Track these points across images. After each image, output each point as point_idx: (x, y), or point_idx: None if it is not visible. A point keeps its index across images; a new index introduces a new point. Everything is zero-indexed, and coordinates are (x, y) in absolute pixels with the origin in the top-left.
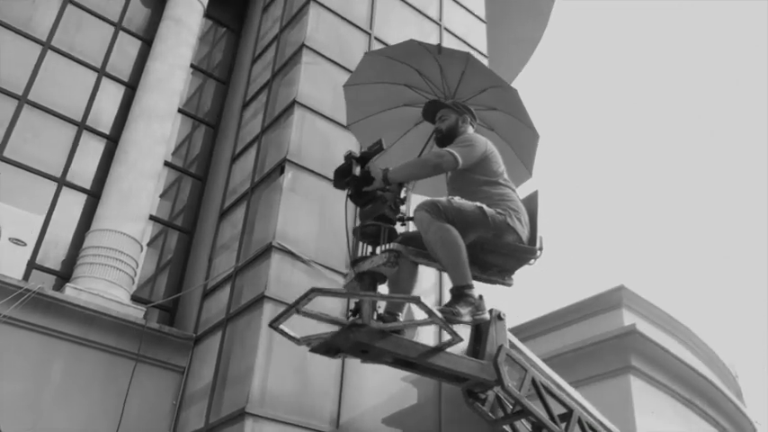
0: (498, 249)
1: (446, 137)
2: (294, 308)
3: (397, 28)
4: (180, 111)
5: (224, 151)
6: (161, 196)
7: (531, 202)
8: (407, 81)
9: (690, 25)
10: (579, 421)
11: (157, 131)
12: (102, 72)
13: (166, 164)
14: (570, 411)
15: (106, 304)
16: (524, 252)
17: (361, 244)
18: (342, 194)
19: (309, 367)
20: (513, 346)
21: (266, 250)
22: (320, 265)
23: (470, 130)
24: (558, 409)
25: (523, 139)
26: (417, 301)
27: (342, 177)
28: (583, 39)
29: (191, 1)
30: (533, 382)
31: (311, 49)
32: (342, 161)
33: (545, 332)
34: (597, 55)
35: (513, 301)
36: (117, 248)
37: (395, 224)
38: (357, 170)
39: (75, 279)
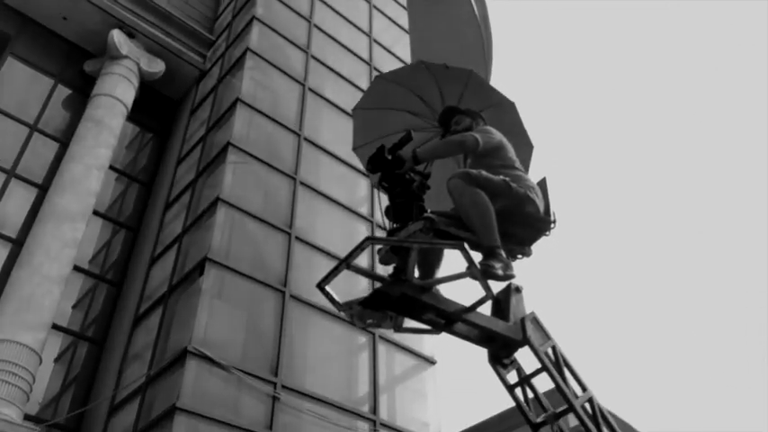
0: (519, 219)
1: None
2: (345, 262)
3: (327, 127)
4: (97, 214)
5: (143, 255)
6: (74, 306)
7: (542, 186)
8: (409, 107)
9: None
10: (591, 401)
11: (68, 234)
12: (11, 173)
13: (78, 269)
14: (584, 389)
15: None
16: (542, 222)
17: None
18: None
19: None
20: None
21: (181, 356)
22: (243, 372)
23: None
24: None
25: (518, 152)
26: (461, 247)
27: (374, 163)
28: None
29: (113, 103)
30: (554, 350)
31: (237, 147)
32: (272, 262)
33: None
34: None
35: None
36: (11, 360)
37: (423, 201)
38: (388, 156)
39: None
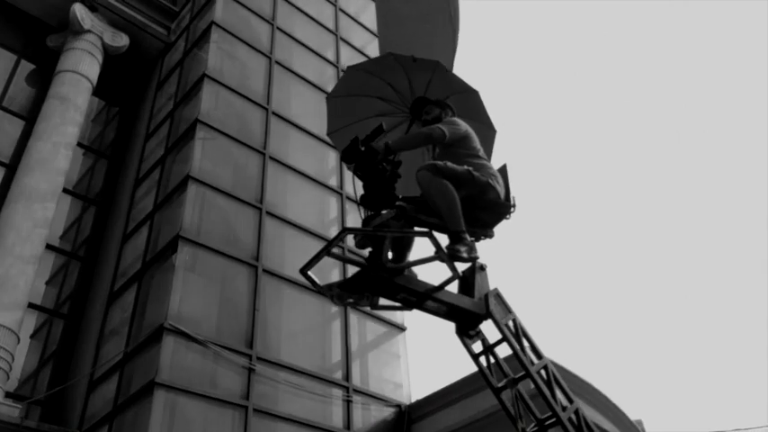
0: (482, 205)
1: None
2: (326, 250)
3: (295, 100)
4: (67, 191)
5: (115, 232)
6: (47, 283)
7: (503, 172)
8: (381, 94)
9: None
10: (546, 367)
11: (38, 213)
12: None
13: (50, 248)
14: (540, 357)
15: None
16: (503, 207)
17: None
18: (242, 271)
19: None
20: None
21: (158, 332)
22: (219, 345)
23: None
24: None
25: (482, 137)
26: (429, 234)
27: (348, 155)
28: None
29: (78, 79)
30: (514, 322)
31: (206, 124)
32: (244, 237)
33: (456, 400)
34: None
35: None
36: None
37: (395, 190)
38: (362, 148)
39: None
